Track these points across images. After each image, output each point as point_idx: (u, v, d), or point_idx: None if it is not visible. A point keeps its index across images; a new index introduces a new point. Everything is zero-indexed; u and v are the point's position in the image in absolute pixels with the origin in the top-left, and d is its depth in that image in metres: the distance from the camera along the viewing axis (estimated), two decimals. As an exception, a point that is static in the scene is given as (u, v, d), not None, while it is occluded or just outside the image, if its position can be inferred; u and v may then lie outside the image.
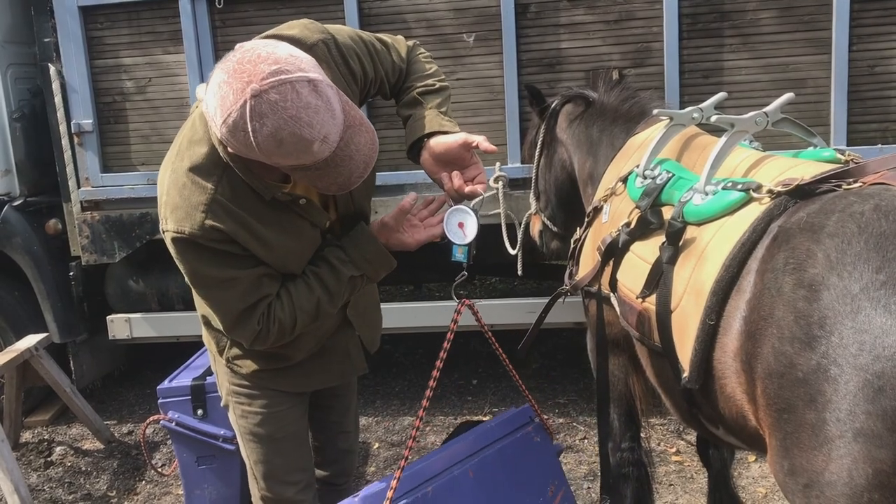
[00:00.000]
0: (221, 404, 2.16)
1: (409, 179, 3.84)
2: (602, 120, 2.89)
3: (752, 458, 3.55)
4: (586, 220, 2.57)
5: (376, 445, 3.93)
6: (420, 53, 2.10)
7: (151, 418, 3.22)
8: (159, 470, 3.66)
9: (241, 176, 1.68)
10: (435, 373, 2.03)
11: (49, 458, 4.03)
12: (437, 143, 1.87)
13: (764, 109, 2.13)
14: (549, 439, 2.61)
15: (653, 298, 2.06)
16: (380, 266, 1.92)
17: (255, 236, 1.72)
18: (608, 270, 2.34)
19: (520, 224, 3.71)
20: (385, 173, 3.81)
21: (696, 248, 1.95)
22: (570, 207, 3.27)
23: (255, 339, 1.80)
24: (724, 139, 2.07)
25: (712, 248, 1.88)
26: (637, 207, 2.28)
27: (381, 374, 4.68)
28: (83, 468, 3.94)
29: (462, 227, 1.90)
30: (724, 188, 1.96)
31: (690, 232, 2.00)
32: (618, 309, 2.34)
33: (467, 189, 1.86)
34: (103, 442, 4.11)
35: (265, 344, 1.83)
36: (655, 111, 2.30)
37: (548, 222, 3.37)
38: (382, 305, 4.18)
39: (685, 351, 1.91)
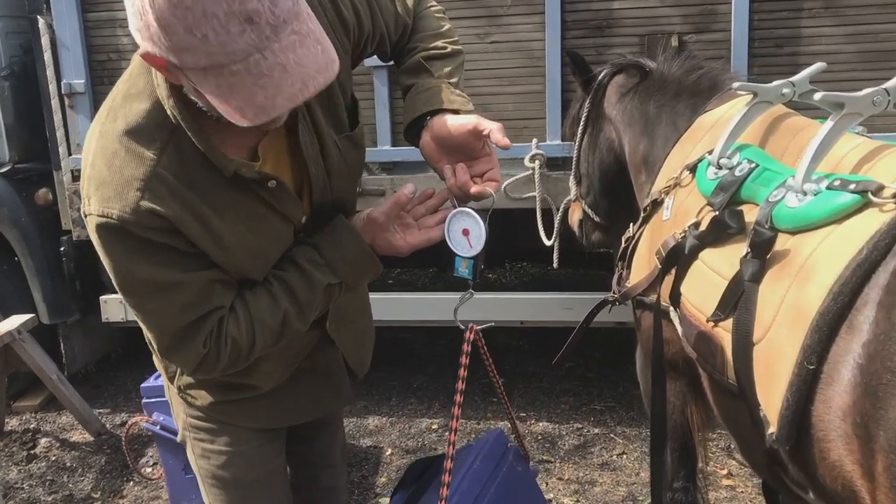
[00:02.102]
0: (178, 439, 1.76)
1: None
2: (661, 94, 2.42)
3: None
4: (642, 214, 2.12)
5: (389, 452, 3.53)
6: (431, 6, 1.68)
7: (133, 420, 2.85)
8: (146, 474, 3.30)
9: (195, 141, 1.26)
10: (456, 410, 1.61)
11: (32, 451, 3.69)
12: (441, 124, 1.43)
13: (884, 86, 1.65)
14: (527, 465, 2.41)
15: (728, 324, 1.62)
16: (362, 272, 1.48)
17: (207, 228, 1.30)
18: (669, 280, 1.90)
19: (557, 211, 3.26)
20: (405, 148, 3.38)
21: (790, 264, 1.50)
22: (616, 195, 2.81)
23: (199, 364, 1.38)
24: (829, 123, 1.60)
25: (814, 266, 1.44)
26: (709, 205, 1.83)
27: (397, 367, 4.28)
28: (68, 463, 3.59)
29: (466, 236, 1.45)
30: (829, 187, 1.51)
31: (783, 242, 1.55)
32: (679, 328, 1.90)
33: (473, 189, 1.41)
34: (93, 434, 3.77)
35: (213, 371, 1.40)
36: (736, 84, 1.83)
37: (589, 211, 2.92)
38: (400, 295, 3.80)
39: (771, 398, 1.48)
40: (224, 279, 1.37)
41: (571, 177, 2.92)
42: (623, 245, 2.20)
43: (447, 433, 3.58)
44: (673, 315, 1.93)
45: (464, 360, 1.59)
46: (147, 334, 1.40)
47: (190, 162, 1.28)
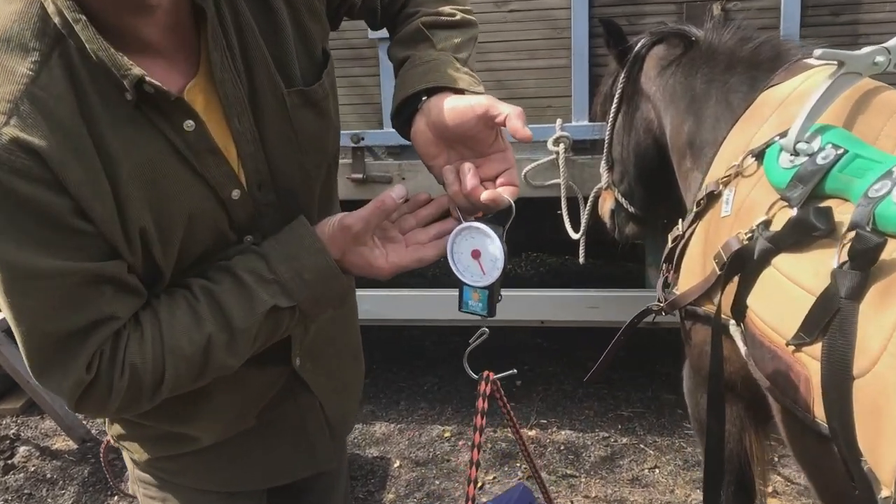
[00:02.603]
0: (129, 491, 1.45)
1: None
2: (710, 66, 2.08)
3: None
4: (694, 209, 1.78)
5: (397, 464, 3.23)
6: None
7: (107, 440, 2.54)
8: (128, 491, 3.00)
9: (88, 47, 0.92)
10: (472, 471, 1.27)
11: (10, 461, 3.40)
12: (441, 107, 1.05)
13: None
14: None
15: (816, 350, 1.30)
16: (324, 295, 1.09)
17: (97, 179, 0.94)
18: (731, 289, 1.57)
19: (585, 201, 2.93)
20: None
21: (906, 278, 1.18)
22: (654, 183, 2.48)
23: (83, 396, 1.00)
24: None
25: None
26: (783, 199, 1.50)
27: (405, 367, 3.97)
28: (48, 475, 3.31)
29: (477, 259, 1.08)
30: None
31: (892, 250, 1.23)
32: (742, 347, 1.58)
33: (484, 197, 1.03)
34: (76, 441, 3.48)
35: (102, 409, 1.04)
36: (817, 52, 1.49)
37: (622, 200, 2.59)
38: (405, 292, 3.47)
39: (883, 451, 1.17)
40: (123, 278, 0.99)
41: (602, 162, 2.60)
42: (670, 245, 1.87)
43: (460, 442, 3.28)
44: (734, 331, 1.60)
45: (479, 420, 1.25)
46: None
47: (80, 82, 0.94)
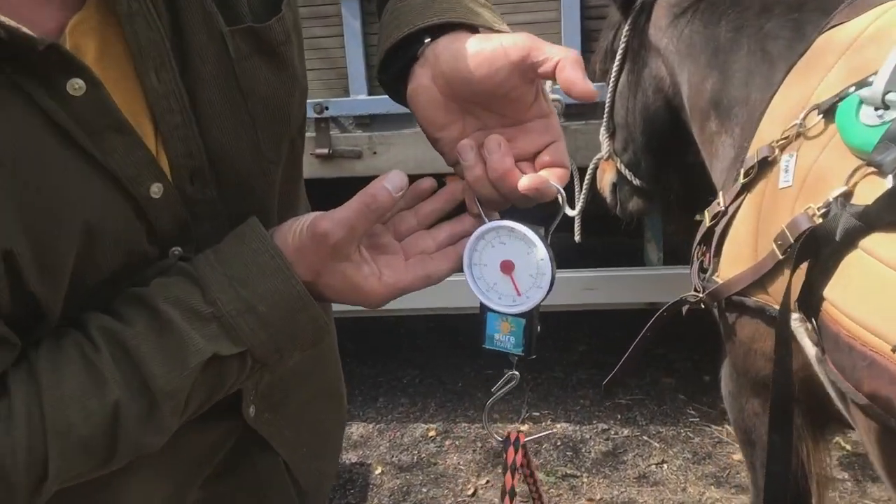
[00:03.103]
0: None
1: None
2: (739, 11, 1.76)
3: None
4: (740, 180, 1.47)
5: (379, 470, 2.92)
6: None
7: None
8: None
9: None
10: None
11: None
12: (455, 51, 0.73)
13: None
14: None
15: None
16: (289, 338, 0.75)
17: None
18: (799, 277, 1.28)
19: (581, 173, 2.62)
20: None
21: None
22: (665, 151, 2.18)
23: None
24: None
25: None
26: (870, 164, 1.20)
27: (383, 360, 3.65)
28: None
29: (509, 273, 0.77)
30: None
31: None
32: (811, 349, 1.29)
33: (523, 184, 0.72)
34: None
35: None
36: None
37: (626, 171, 2.29)
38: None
39: None
40: None
41: (602, 128, 2.28)
42: (708, 223, 1.56)
43: (447, 442, 2.99)
44: (796, 327, 1.31)
45: (509, 479, 0.92)
46: None
47: None
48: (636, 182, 2.29)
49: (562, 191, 0.74)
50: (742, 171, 1.47)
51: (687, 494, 2.65)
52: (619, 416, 3.12)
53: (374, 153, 2.76)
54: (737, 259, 1.48)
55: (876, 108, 1.21)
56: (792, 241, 1.28)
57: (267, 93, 0.79)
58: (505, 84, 0.72)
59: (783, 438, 1.34)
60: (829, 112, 1.31)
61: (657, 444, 2.93)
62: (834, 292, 1.21)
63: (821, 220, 1.24)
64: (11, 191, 0.63)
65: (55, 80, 0.64)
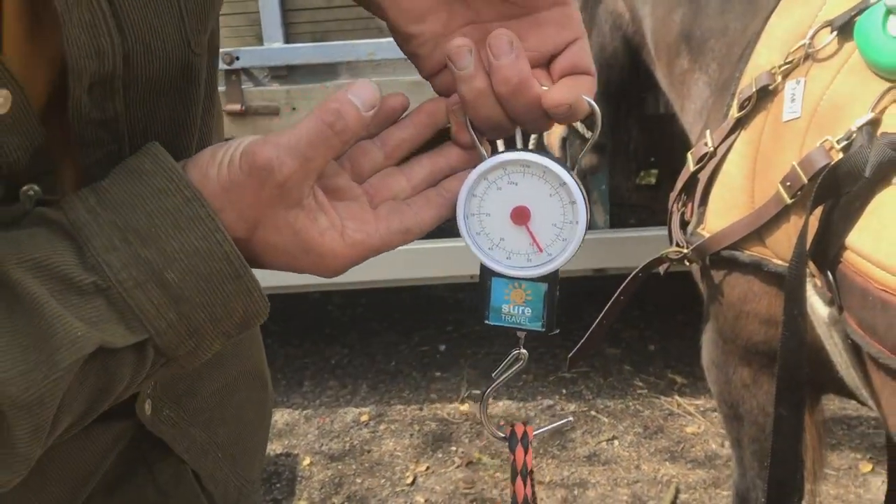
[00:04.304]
0: None
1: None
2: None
3: (867, 468, 2.43)
4: (734, 114, 1.26)
5: (307, 461, 2.65)
6: None
7: None
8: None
9: None
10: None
11: None
12: None
13: None
14: None
15: None
16: (209, 319, 0.49)
17: None
18: (814, 226, 1.08)
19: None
20: (304, 45, 2.43)
21: None
22: (623, 97, 1.98)
23: None
24: None
25: None
26: (902, 85, 1.00)
27: (308, 338, 3.37)
28: None
29: (525, 222, 0.56)
30: None
31: None
32: (821, 310, 1.10)
33: (553, 97, 0.52)
34: None
35: None
36: None
37: (578, 123, 2.07)
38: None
39: None
40: None
41: (550, 74, 2.06)
42: (692, 168, 1.35)
43: (381, 426, 2.75)
44: (817, 284, 1.12)
45: (522, 488, 0.68)
46: None
47: None
48: (587, 134, 2.08)
49: (595, 106, 0.55)
50: (735, 103, 1.26)
51: (641, 472, 2.48)
52: (563, 391, 2.93)
53: (294, 109, 2.47)
54: (728, 208, 1.27)
55: (908, 17, 1.02)
56: (805, 180, 1.08)
57: None
58: None
59: (793, 411, 1.14)
60: (844, 28, 1.11)
61: (606, 420, 2.75)
62: (861, 239, 1.02)
63: (840, 155, 1.05)
64: None
65: None
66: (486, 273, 0.59)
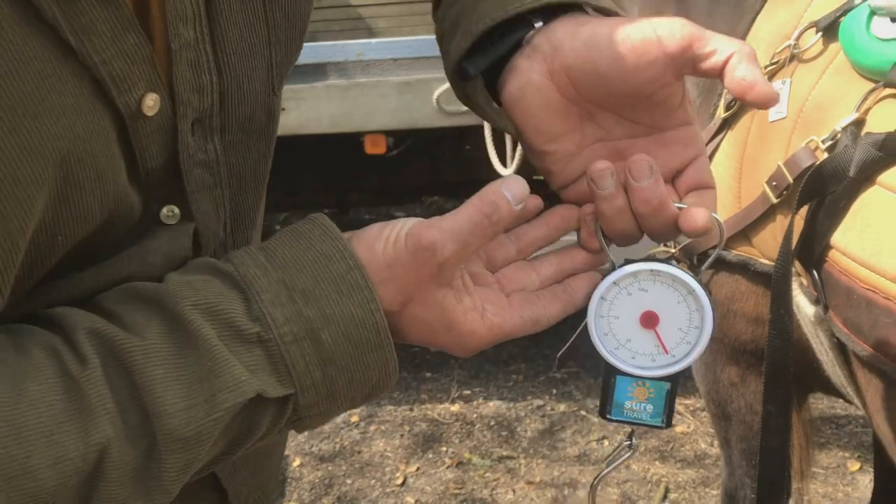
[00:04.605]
0: None
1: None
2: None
3: (855, 466, 2.44)
4: (720, 115, 1.27)
5: (297, 462, 2.65)
6: None
7: None
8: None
9: None
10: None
11: None
12: (582, 40, 0.57)
13: None
14: None
15: None
16: (348, 383, 0.52)
17: None
18: (799, 225, 1.09)
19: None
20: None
21: None
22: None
23: None
24: None
25: None
26: (887, 85, 1.01)
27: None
28: None
29: (654, 326, 0.60)
30: None
31: None
32: (807, 309, 1.12)
33: (692, 220, 0.56)
34: None
35: None
36: None
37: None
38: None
39: None
40: None
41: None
42: (679, 168, 1.36)
43: (371, 426, 2.75)
44: (804, 284, 1.13)
45: None
46: None
47: None
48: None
49: (721, 223, 0.60)
50: (722, 104, 1.26)
51: (631, 472, 2.49)
52: (553, 392, 2.93)
53: (283, 109, 2.47)
54: (717, 208, 1.28)
55: (894, 19, 1.02)
56: (791, 180, 1.09)
57: (279, 9, 0.59)
58: (655, 82, 0.56)
59: (780, 410, 1.15)
60: (829, 29, 1.12)
61: (595, 420, 2.76)
62: (846, 238, 1.03)
63: (827, 154, 1.06)
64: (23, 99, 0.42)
65: None
66: (611, 371, 0.62)
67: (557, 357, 1.58)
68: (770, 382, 1.15)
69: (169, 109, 0.52)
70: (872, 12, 1.05)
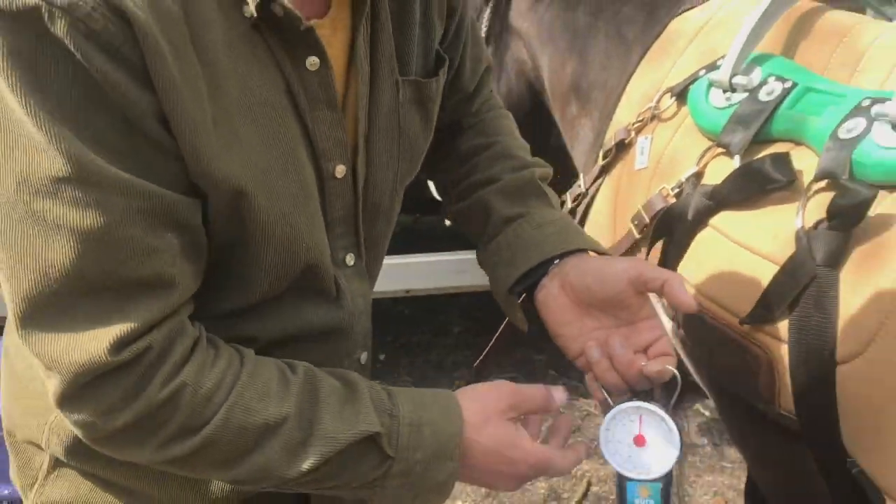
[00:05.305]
0: None
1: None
2: (595, -6, 1.80)
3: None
4: (599, 161, 1.51)
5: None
6: (492, 91, 1.26)
7: None
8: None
9: None
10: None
11: None
12: (582, 270, 0.96)
13: None
14: None
15: (782, 329, 1.07)
16: (422, 476, 0.81)
17: (195, 92, 0.68)
18: (654, 256, 1.32)
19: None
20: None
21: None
22: (528, 136, 2.20)
23: (86, 386, 0.67)
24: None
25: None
26: (719, 146, 1.25)
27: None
28: None
29: (641, 446, 0.90)
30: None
31: (881, 205, 1.00)
32: (667, 324, 1.34)
33: (651, 368, 0.90)
34: None
35: (95, 426, 0.70)
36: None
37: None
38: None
39: (884, 453, 0.95)
40: (195, 233, 0.73)
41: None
42: (570, 205, 1.59)
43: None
44: (655, 302, 1.36)
45: None
46: (18, 322, 0.67)
47: None
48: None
49: (676, 373, 0.89)
50: (601, 153, 1.50)
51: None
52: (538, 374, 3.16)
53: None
54: (597, 239, 1.51)
55: (724, 91, 1.26)
56: (647, 220, 1.32)
57: (413, 134, 0.92)
58: (621, 296, 0.91)
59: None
60: (681, 95, 1.36)
61: (585, 401, 2.99)
62: (688, 269, 1.26)
63: (674, 200, 1.29)
64: (252, 130, 0.73)
65: (300, 55, 0.76)
66: (622, 479, 0.88)
67: (474, 367, 1.79)
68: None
69: (350, 178, 0.84)
70: (710, 84, 1.29)
